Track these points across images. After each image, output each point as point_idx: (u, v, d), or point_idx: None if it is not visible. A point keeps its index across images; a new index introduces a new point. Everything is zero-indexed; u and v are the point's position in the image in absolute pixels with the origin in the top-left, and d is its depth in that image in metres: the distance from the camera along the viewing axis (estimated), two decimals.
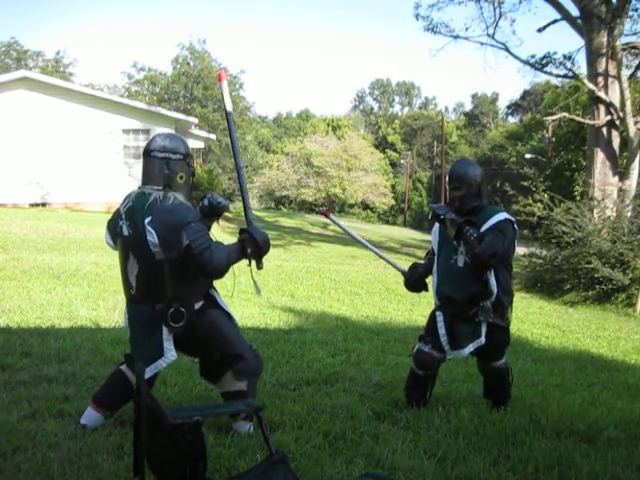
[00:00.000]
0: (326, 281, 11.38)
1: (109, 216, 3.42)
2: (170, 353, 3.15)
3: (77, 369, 4.28)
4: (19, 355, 4.54)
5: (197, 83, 37.43)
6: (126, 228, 3.15)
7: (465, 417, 3.75)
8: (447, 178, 3.88)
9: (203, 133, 26.18)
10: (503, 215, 3.74)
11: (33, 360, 4.44)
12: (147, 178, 3.20)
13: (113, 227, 3.27)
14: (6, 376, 4.03)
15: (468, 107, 67.37)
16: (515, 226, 3.78)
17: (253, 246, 3.19)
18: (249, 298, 8.61)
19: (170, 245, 3.04)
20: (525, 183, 14.98)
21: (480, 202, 3.78)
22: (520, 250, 15.83)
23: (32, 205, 19.83)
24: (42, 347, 4.74)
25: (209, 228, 3.37)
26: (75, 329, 5.62)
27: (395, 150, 56.83)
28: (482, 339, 3.76)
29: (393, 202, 45.85)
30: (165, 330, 3.13)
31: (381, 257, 4.40)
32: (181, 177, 3.20)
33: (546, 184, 14.85)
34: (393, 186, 50.74)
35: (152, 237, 3.03)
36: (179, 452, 1.79)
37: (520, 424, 3.70)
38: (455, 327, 3.82)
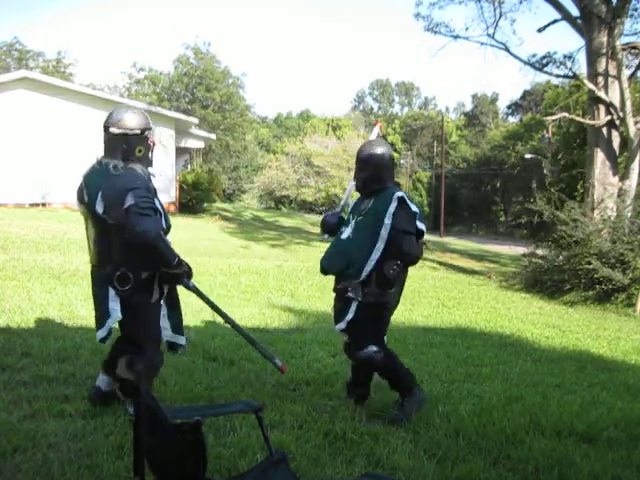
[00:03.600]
0: (326, 281, 11.31)
1: None
2: (116, 313, 3.25)
3: (77, 369, 4.28)
4: (19, 355, 4.53)
5: (199, 84, 37.44)
6: (85, 194, 3.30)
7: (465, 417, 3.75)
8: (355, 157, 3.95)
9: (203, 133, 26.18)
10: (398, 195, 3.65)
11: (33, 360, 4.43)
12: (107, 152, 3.33)
13: (79, 195, 3.38)
14: (6, 376, 4.03)
15: (468, 107, 67.39)
16: (408, 202, 3.68)
17: (177, 280, 3.28)
18: (249, 298, 8.62)
19: (113, 207, 3.12)
20: (532, 182, 15.04)
21: (382, 185, 3.77)
22: (520, 250, 15.88)
23: (32, 205, 19.83)
24: (42, 347, 4.74)
25: None
26: (75, 329, 5.62)
27: (395, 150, 56.84)
28: (349, 316, 3.70)
29: None
30: (112, 291, 3.24)
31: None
32: (139, 150, 3.33)
33: (560, 185, 14.92)
34: None
35: (99, 202, 3.17)
36: (179, 452, 1.79)
37: (520, 424, 3.70)
38: (335, 302, 3.88)
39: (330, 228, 4.10)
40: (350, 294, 3.69)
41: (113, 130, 3.30)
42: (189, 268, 3.35)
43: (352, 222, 3.83)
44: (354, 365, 3.93)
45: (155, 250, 3.16)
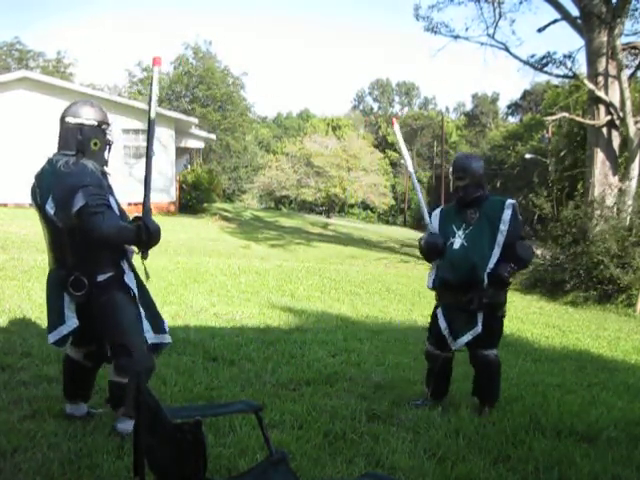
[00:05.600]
0: (326, 281, 11.37)
1: None
2: (71, 321, 3.12)
3: None
4: (19, 355, 4.54)
5: (199, 83, 37.43)
6: (38, 195, 3.17)
7: (465, 417, 3.75)
8: (451, 169, 4.03)
9: (203, 133, 26.16)
10: (511, 202, 3.90)
11: (33, 360, 4.44)
12: (61, 144, 3.21)
13: (33, 195, 3.25)
14: (6, 376, 4.04)
15: (468, 107, 67.40)
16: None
17: (146, 234, 3.06)
18: (249, 298, 8.62)
19: (63, 208, 2.99)
20: (533, 180, 15.06)
21: (482, 192, 3.95)
22: None
23: (32, 205, 19.85)
24: (42, 347, 4.74)
25: None
26: None
27: (395, 150, 56.79)
28: (479, 327, 3.81)
29: (393, 202, 45.83)
30: (67, 297, 3.12)
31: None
32: (95, 144, 3.19)
33: (562, 184, 14.95)
34: (393, 186, 50.75)
35: (50, 203, 3.04)
36: (179, 452, 1.79)
37: (520, 424, 3.70)
38: (453, 317, 3.90)
39: (441, 248, 3.95)
40: (474, 306, 3.78)
41: (69, 120, 3.19)
42: (143, 222, 3.05)
43: (459, 232, 3.91)
44: (476, 366, 3.99)
45: (122, 242, 3.12)
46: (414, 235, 32.44)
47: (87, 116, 3.20)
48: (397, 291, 11.14)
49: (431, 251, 4.00)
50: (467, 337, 3.84)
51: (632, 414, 4.22)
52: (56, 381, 3.97)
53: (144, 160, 3.20)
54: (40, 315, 6.07)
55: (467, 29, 18.84)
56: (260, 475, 2.16)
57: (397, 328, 7.40)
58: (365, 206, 46.47)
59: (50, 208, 3.05)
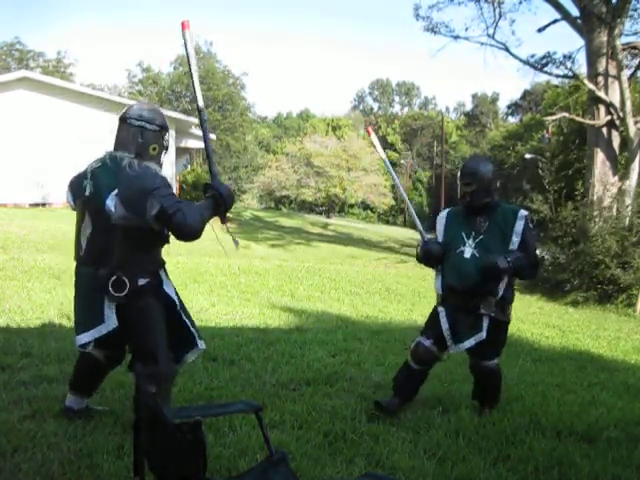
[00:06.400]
0: (326, 281, 11.38)
1: None
2: (112, 320, 3.05)
3: None
4: (19, 355, 4.54)
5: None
6: (89, 187, 3.11)
7: (465, 417, 3.75)
8: (459, 174, 3.91)
9: None
10: (524, 213, 3.80)
11: (33, 360, 4.44)
12: (119, 144, 3.16)
13: (76, 187, 3.21)
14: (6, 376, 4.03)
15: (468, 107, 67.39)
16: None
17: (221, 200, 3.04)
18: (249, 298, 8.62)
19: (133, 209, 2.94)
20: (526, 182, 15.01)
21: (491, 198, 3.81)
22: None
23: (32, 205, 19.82)
24: (42, 347, 4.74)
25: None
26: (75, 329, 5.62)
27: (395, 150, 56.80)
28: (483, 333, 3.73)
29: (393, 202, 45.85)
30: (106, 297, 3.06)
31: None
32: (154, 149, 3.19)
33: (559, 185, 14.88)
34: (393, 186, 50.65)
35: (111, 200, 2.97)
36: (179, 452, 1.79)
37: (520, 424, 3.70)
38: (456, 320, 3.80)
39: (437, 254, 3.92)
40: (483, 310, 3.72)
41: (132, 122, 3.14)
42: (214, 189, 3.05)
43: (469, 240, 3.81)
44: (477, 375, 3.99)
45: (208, 220, 3.03)
46: (414, 235, 32.43)
47: (150, 120, 3.19)
48: (397, 291, 11.14)
49: (428, 259, 3.98)
50: (470, 342, 3.75)
51: (632, 414, 4.22)
52: (56, 381, 3.97)
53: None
54: (40, 315, 6.08)
55: (467, 29, 18.86)
56: (260, 475, 2.16)
57: (397, 328, 7.40)
58: (365, 206, 46.49)
59: (112, 205, 2.97)
